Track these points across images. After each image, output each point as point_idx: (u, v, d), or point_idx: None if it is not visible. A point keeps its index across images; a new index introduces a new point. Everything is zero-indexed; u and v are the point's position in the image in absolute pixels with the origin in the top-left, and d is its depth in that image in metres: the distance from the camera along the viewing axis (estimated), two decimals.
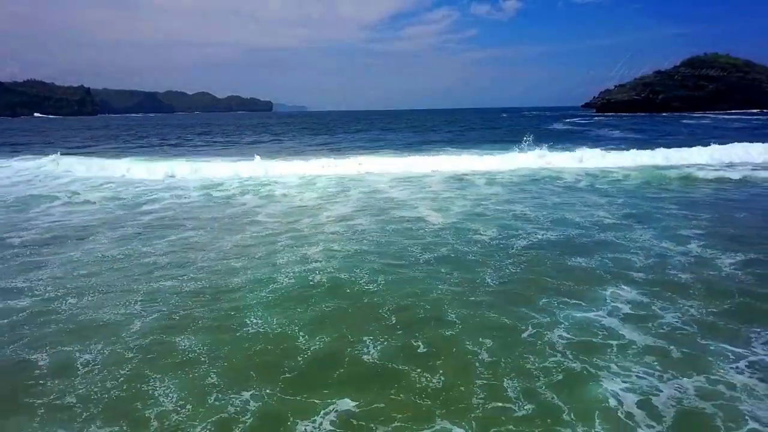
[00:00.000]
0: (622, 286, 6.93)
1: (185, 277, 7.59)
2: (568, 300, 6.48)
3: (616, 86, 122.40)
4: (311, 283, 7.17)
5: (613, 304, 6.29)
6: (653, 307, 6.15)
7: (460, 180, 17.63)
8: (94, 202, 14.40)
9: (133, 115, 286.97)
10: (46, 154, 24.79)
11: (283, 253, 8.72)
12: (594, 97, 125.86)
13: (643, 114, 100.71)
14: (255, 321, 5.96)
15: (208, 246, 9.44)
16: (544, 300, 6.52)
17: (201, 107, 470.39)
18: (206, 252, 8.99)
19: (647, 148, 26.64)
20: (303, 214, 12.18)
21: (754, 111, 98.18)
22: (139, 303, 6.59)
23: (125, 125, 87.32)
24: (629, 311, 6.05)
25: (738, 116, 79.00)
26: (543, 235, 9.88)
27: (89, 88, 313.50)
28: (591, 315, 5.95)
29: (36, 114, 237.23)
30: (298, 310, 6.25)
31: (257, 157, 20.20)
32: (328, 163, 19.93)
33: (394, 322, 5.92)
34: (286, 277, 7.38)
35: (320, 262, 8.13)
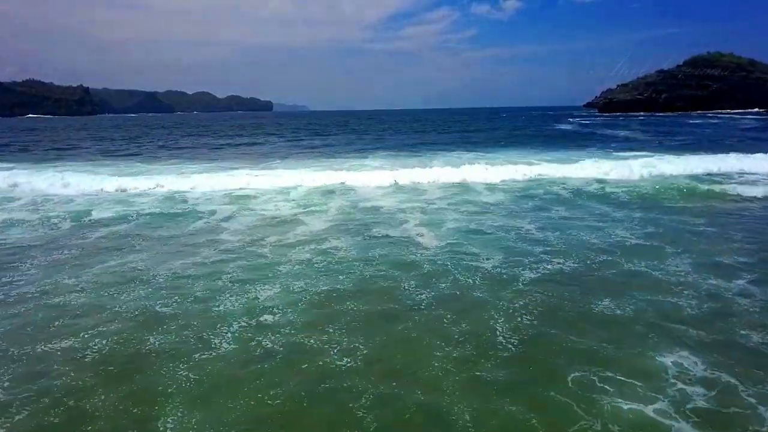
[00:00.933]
0: (679, 352, 5.08)
1: (92, 332, 5.71)
2: (610, 376, 4.63)
3: (618, 86, 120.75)
4: (257, 352, 5.20)
5: (678, 387, 4.41)
6: (739, 394, 4.28)
7: (456, 186, 15.80)
8: (42, 217, 12.52)
9: (130, 115, 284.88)
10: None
11: (227, 294, 6.79)
12: (596, 96, 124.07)
13: (647, 114, 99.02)
14: (169, 427, 4.06)
15: (140, 278, 7.57)
16: (575, 374, 4.68)
17: (201, 107, 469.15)
18: (134, 288, 7.11)
19: (660, 152, 24.94)
20: (270, 233, 10.29)
21: (760, 111, 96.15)
22: (10, 385, 4.71)
23: (117, 126, 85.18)
24: (706, 405, 4.15)
25: (743, 116, 77.19)
26: (556, 262, 8.08)
27: (88, 87, 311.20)
28: (650, 411, 4.07)
29: (30, 114, 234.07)
30: (230, 404, 4.32)
31: (238, 164, 18.37)
32: (314, 169, 18.07)
33: (374, 428, 4.02)
34: (223, 339, 5.46)
35: (275, 312, 6.21)
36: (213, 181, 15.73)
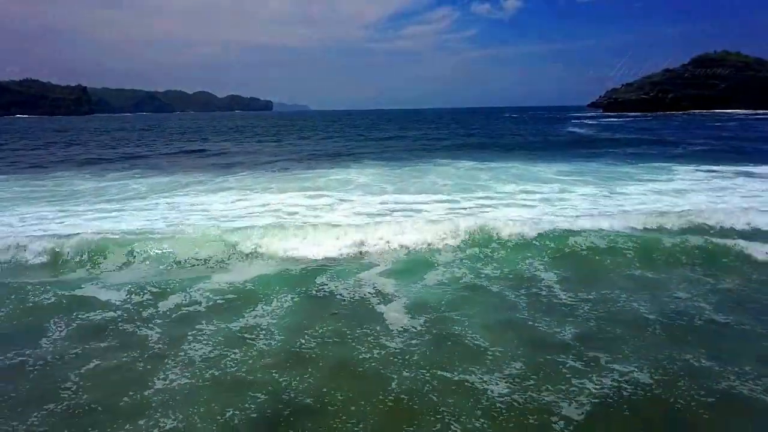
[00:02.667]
0: None
1: None
2: None
3: (623, 85, 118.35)
4: None
5: None
6: None
7: (448, 204, 12.54)
8: None
9: (126, 114, 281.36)
10: None
11: None
12: (600, 96, 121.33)
13: (654, 114, 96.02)
14: None
15: None
16: None
17: (201, 107, 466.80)
18: None
19: (706, 162, 20.75)
20: (169, 293, 6.92)
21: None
22: None
23: (99, 129, 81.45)
24: None
25: (760, 116, 73.95)
26: (610, 369, 4.89)
27: (86, 87, 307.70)
28: None
29: (18, 115, 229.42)
30: None
31: (193, 178, 15.07)
32: (278, 188, 14.79)
33: None
34: None
35: None
36: (121, 211, 12.19)
